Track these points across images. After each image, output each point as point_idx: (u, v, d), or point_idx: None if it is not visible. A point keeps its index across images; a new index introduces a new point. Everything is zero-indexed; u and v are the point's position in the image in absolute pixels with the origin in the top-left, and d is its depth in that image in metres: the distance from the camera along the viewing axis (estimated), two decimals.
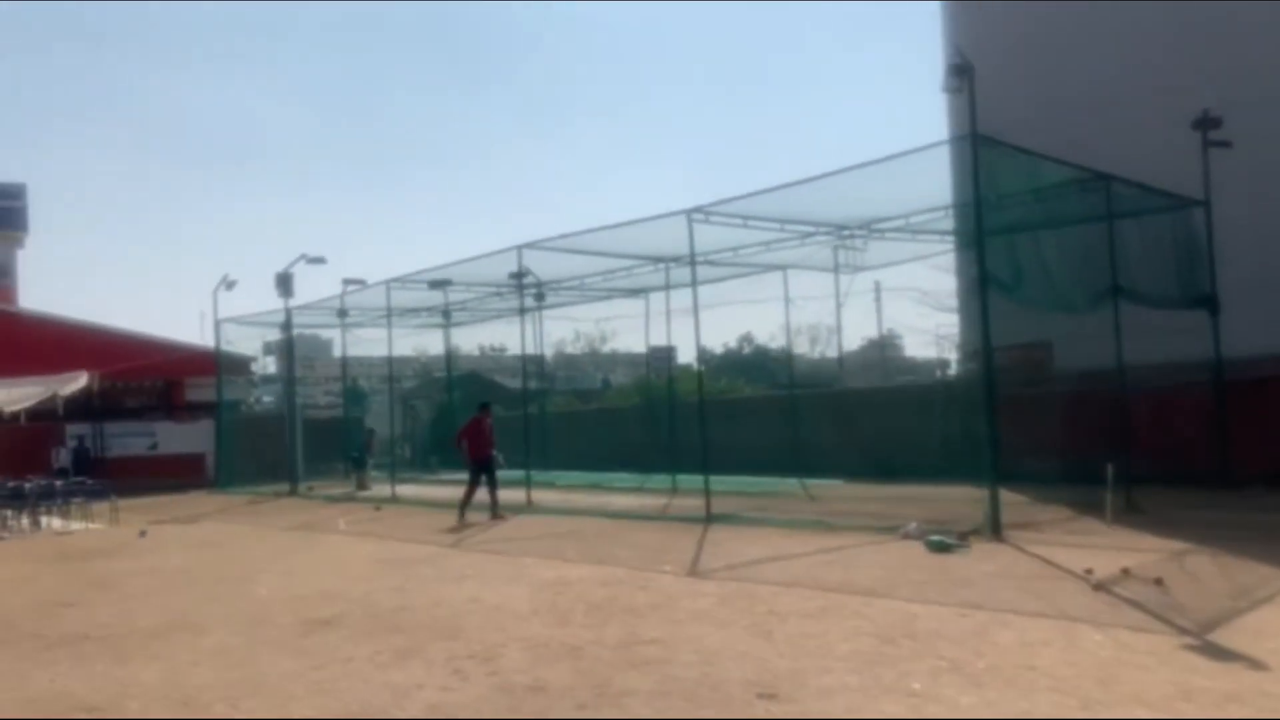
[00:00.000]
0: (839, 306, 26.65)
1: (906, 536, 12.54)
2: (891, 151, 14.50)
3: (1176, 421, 17.88)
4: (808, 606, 8.70)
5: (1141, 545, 11.27)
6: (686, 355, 31.81)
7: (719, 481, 16.54)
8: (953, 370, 56.76)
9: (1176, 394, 18.01)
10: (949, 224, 20.21)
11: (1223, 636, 7.01)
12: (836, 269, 22.79)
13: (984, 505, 12.75)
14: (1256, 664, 6.27)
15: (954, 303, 39.03)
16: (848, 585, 9.62)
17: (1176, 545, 11.07)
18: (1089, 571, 9.48)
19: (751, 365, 56.88)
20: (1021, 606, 8.25)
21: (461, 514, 17.14)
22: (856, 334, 65.95)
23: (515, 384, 51.69)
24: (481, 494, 17.73)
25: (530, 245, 19.86)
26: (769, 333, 61.32)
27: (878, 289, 42.19)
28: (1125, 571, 9.41)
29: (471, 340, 43.39)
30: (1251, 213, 17.39)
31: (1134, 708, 5.51)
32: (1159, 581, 8.90)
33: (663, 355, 38.02)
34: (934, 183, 17.60)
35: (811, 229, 18.50)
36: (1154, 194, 15.91)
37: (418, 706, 6.18)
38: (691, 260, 16.56)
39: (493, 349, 54.73)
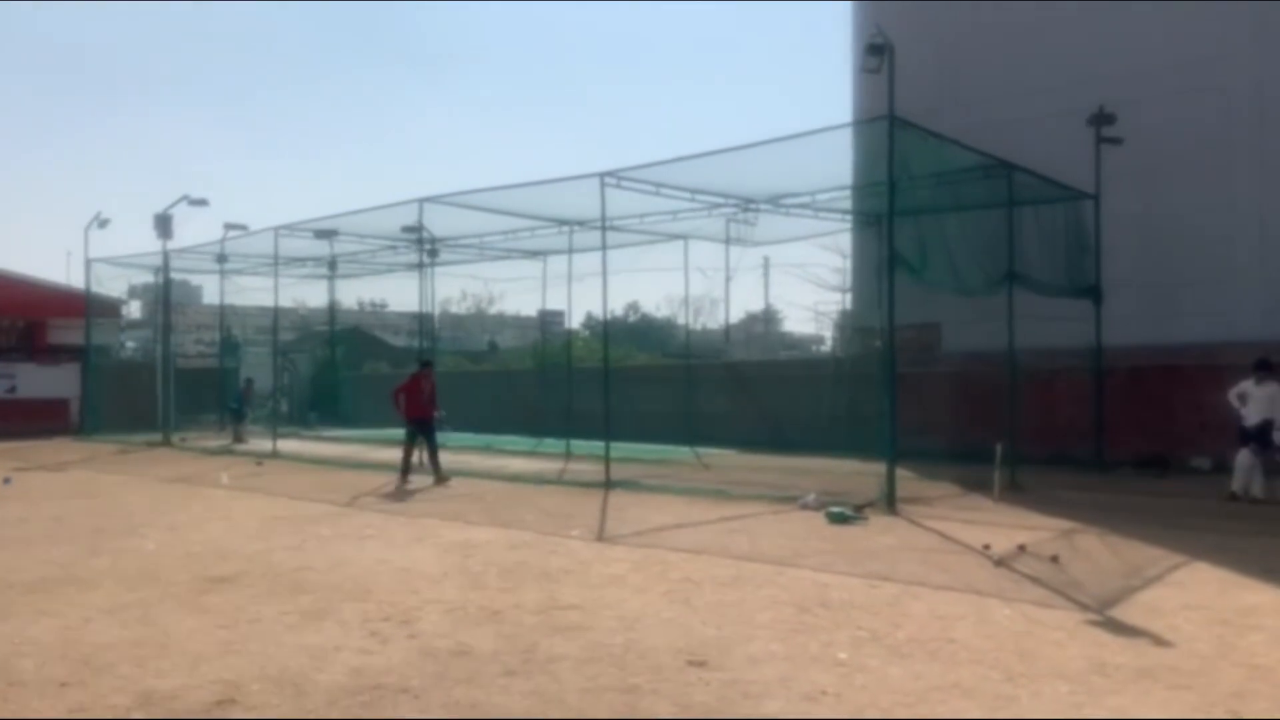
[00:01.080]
0: (728, 280, 27.02)
1: (805, 507, 12.76)
2: (792, 132, 14.70)
3: (1056, 405, 18.67)
4: (721, 574, 8.75)
5: (1030, 523, 11.71)
6: (574, 320, 31.78)
7: (615, 448, 16.53)
8: (827, 346, 58.40)
9: (1057, 379, 18.82)
10: (846, 204, 20.68)
11: (1123, 613, 7.32)
12: (728, 242, 23.03)
13: (880, 480, 13.05)
14: (1160, 640, 6.57)
15: (838, 281, 39.94)
16: (757, 554, 9.73)
17: (1064, 524, 11.54)
18: (987, 547, 9.80)
19: (638, 333, 57.16)
20: (928, 579, 8.47)
21: (404, 476, 16.52)
22: (739, 308, 66.86)
23: (397, 341, 50.87)
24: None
25: (433, 199, 19.39)
26: (654, 302, 61.75)
27: (766, 264, 42.85)
28: (1022, 548, 9.76)
29: (351, 294, 42.41)
30: (1137, 208, 18.16)
31: (1055, 681, 5.70)
32: (1055, 559, 9.25)
33: (554, 319, 37.88)
34: (835, 163, 17.94)
35: (720, 200, 18.54)
36: (1050, 185, 16.47)
37: (339, 670, 5.97)
38: (603, 225, 16.42)
39: (373, 304, 53.62)
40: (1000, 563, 9.19)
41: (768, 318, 61.71)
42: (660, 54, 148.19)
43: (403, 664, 6.10)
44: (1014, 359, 15.93)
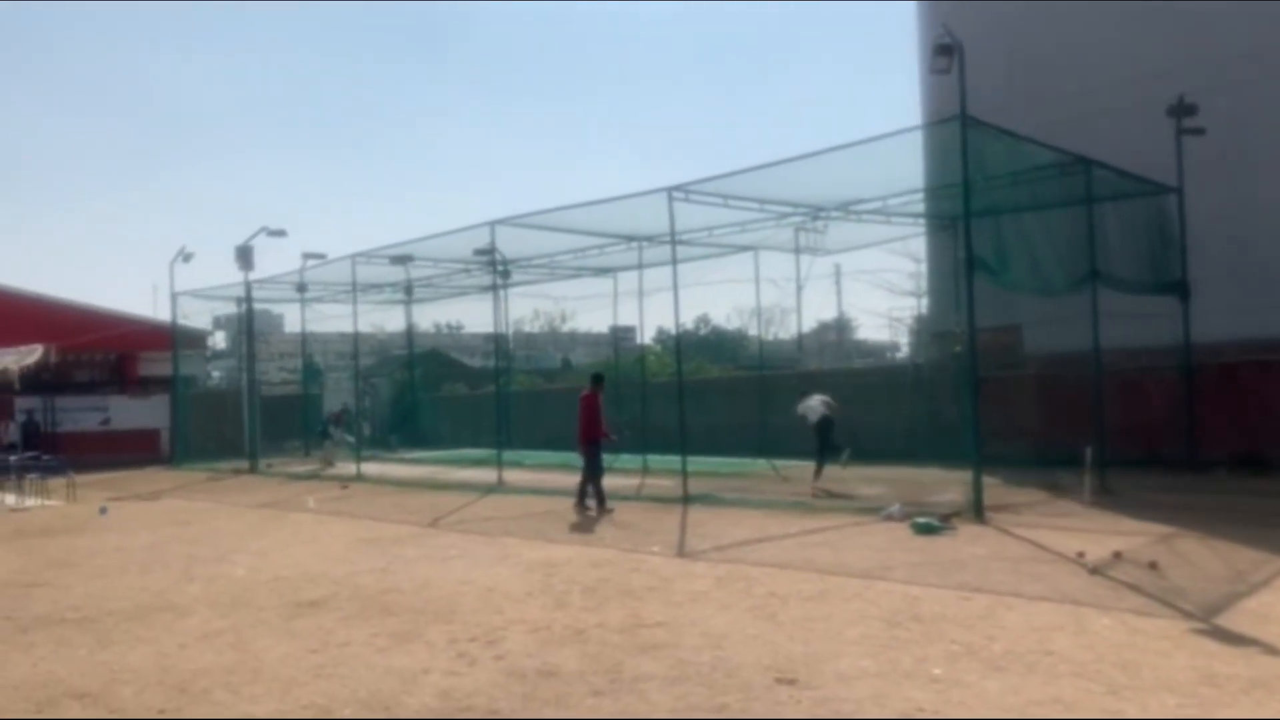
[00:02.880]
0: (799, 289, 26.78)
1: (889, 518, 12.54)
2: (859, 137, 14.55)
3: (1144, 405, 18.09)
4: (806, 589, 8.62)
5: (1123, 528, 11.35)
6: (645, 335, 31.71)
7: (691, 462, 16.43)
8: (902, 353, 57.59)
9: (1144, 378, 18.24)
10: (919, 208, 20.36)
11: (1229, 621, 7.04)
12: (798, 251, 22.83)
13: (966, 488, 12.78)
14: (1271, 649, 6.29)
15: (912, 286, 39.36)
16: (842, 567, 9.57)
17: (1160, 528, 11.16)
18: (1081, 554, 9.52)
19: (710, 346, 57.05)
20: (1022, 590, 8.24)
21: (586, 504, 15.02)
22: (811, 317, 66.30)
23: (474, 362, 51.43)
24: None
25: (504, 221, 19.59)
26: (724, 314, 61.52)
27: (837, 272, 42.46)
28: (1118, 555, 9.46)
29: (427, 318, 42.98)
30: (1222, 200, 17.58)
31: (1161, 693, 5.48)
32: (1153, 565, 8.95)
33: (625, 335, 37.95)
34: (906, 167, 17.68)
35: (789, 209, 18.39)
36: (1131, 179, 16.02)
37: (428, 693, 5.99)
38: (672, 239, 16.37)
39: (449, 326, 54.30)
40: (1095, 570, 8.91)
41: (840, 326, 61.13)
42: (721, 63, 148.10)
43: (490, 685, 6.10)
44: (1099, 359, 15.50)
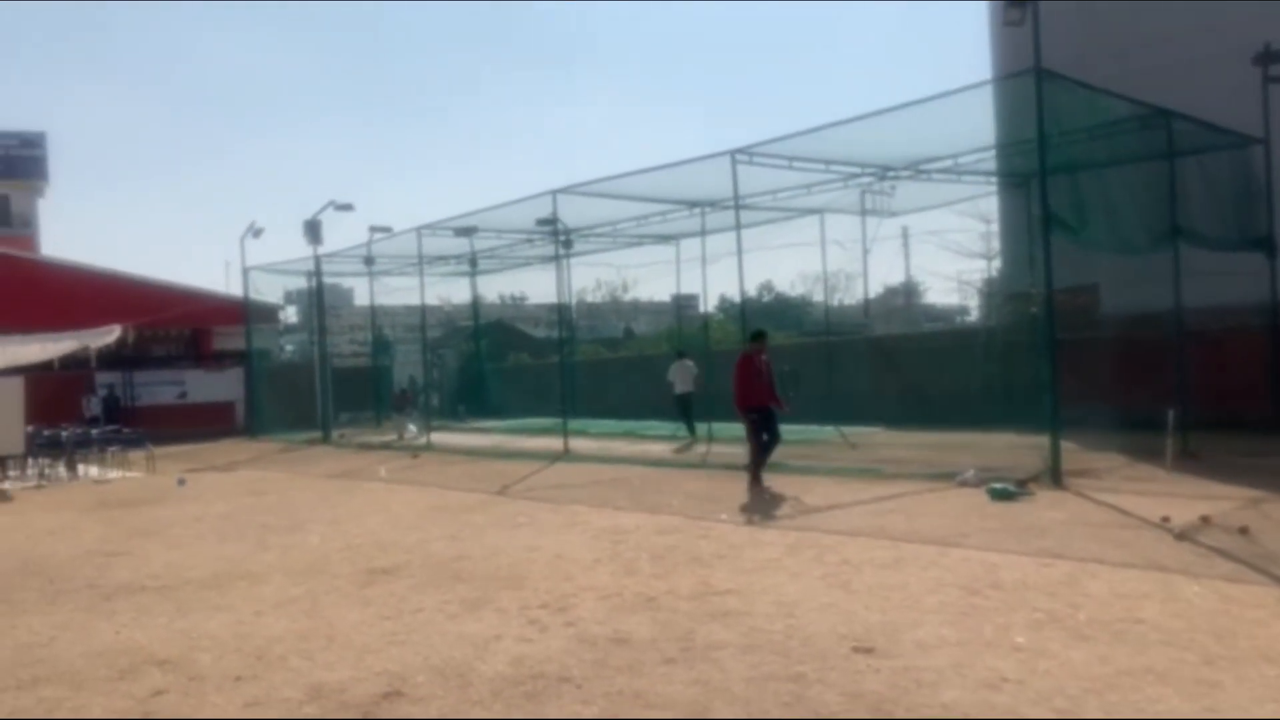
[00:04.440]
0: (865, 253, 26.30)
1: (964, 484, 12.28)
2: (927, 94, 14.13)
3: (1227, 366, 17.46)
4: (880, 556, 8.45)
5: (1210, 493, 10.97)
6: (708, 303, 31.49)
7: None
8: (972, 316, 56.53)
9: (1227, 338, 17.58)
10: (989, 166, 19.81)
11: None
12: (864, 214, 22.40)
13: (1044, 452, 12.46)
14: None
15: (982, 247, 38.49)
16: (916, 534, 9.37)
17: (1248, 493, 10.77)
18: (1166, 520, 9.20)
19: (774, 312, 56.51)
20: (1105, 556, 7.98)
21: (756, 477, 13.27)
22: (877, 282, 65.24)
23: (538, 333, 51.64)
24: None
25: (565, 190, 19.49)
26: (788, 280, 60.88)
27: (905, 234, 41.66)
28: (1205, 520, 9.13)
29: (491, 289, 43.11)
30: None
31: (1259, 664, 5.25)
32: (1244, 530, 8.62)
33: (688, 303, 37.75)
34: (976, 124, 17.17)
35: (856, 169, 18.01)
36: (1214, 131, 15.39)
37: (501, 659, 5.97)
38: (735, 203, 16.17)
39: (513, 298, 54.52)
40: (1182, 536, 8.60)
41: (908, 290, 60.18)
42: (779, 25, 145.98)
43: (562, 653, 6.06)
44: (1181, 319, 14.97)
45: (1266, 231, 16.46)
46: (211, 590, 8.49)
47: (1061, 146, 13.22)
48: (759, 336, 14.32)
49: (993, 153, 18.64)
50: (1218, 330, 17.45)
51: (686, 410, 21.18)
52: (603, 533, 10.29)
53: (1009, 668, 5.38)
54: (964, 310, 59.78)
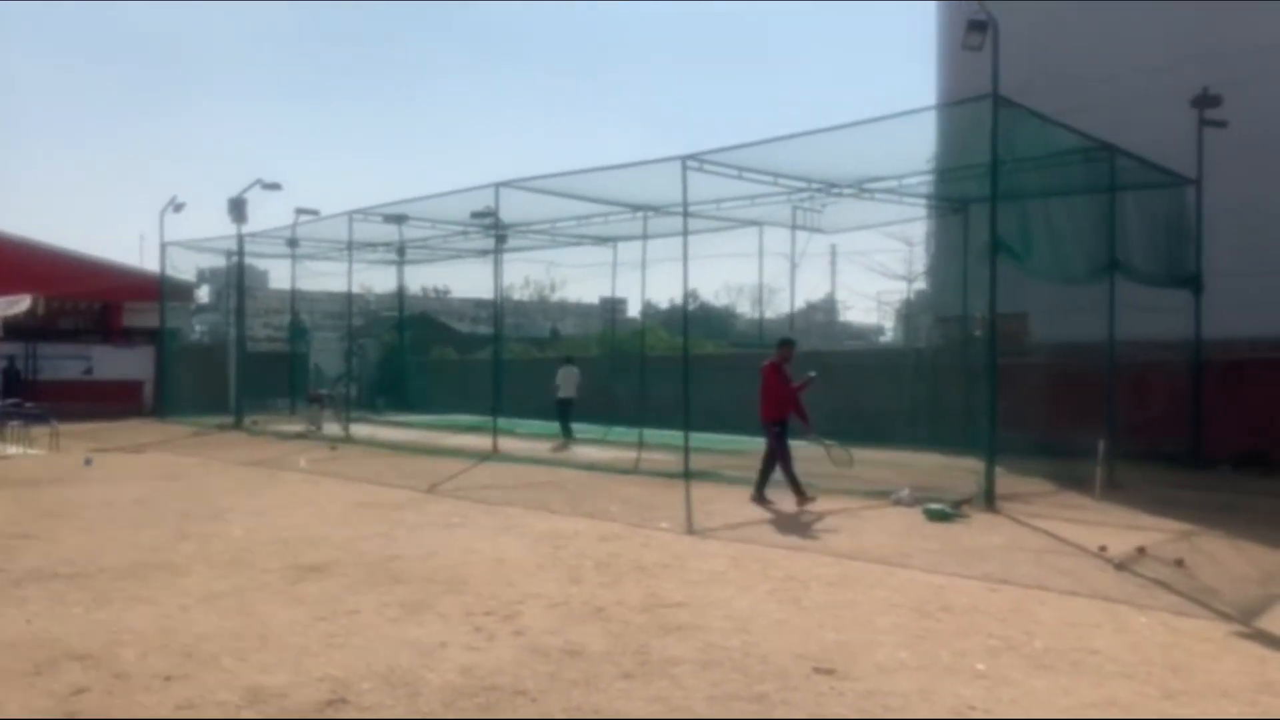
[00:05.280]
0: (794, 267, 26.46)
1: (899, 503, 12.33)
2: (865, 115, 14.26)
3: (1149, 399, 17.90)
4: (826, 573, 8.38)
5: (1139, 523, 11.17)
6: (633, 309, 31.43)
7: (689, 438, 16.18)
8: (887, 336, 57.45)
9: (1151, 372, 18.02)
10: (922, 190, 20.05)
11: (1271, 623, 6.84)
12: (794, 228, 22.53)
13: (978, 476, 12.57)
14: None
15: (904, 270, 39.14)
16: (859, 552, 9.33)
17: (1177, 525, 10.98)
18: (1104, 549, 9.32)
19: (699, 322, 56.66)
20: (1049, 583, 8.01)
21: (798, 491, 12.36)
22: (799, 297, 66.01)
23: (463, 327, 50.97)
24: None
25: (509, 184, 19.14)
26: (712, 290, 61.21)
27: (833, 252, 42.19)
28: (1141, 551, 9.26)
29: (415, 281, 42.49)
30: (1240, 194, 17.33)
31: (1219, 699, 5.26)
32: (1180, 563, 8.74)
33: (617, 307, 37.63)
34: (916, 149, 17.35)
35: (802, 184, 18.05)
36: (1152, 169, 15.76)
37: (449, 668, 5.71)
38: (684, 209, 16.03)
39: (436, 290, 53.71)
40: (1121, 566, 8.71)
41: (828, 307, 60.97)
42: (725, 46, 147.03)
43: (514, 663, 5.82)
44: (1114, 351, 15.31)
45: (1195, 270, 16.91)
46: (130, 580, 8.03)
47: (1008, 174, 13.38)
48: (787, 344, 13.42)
49: (931, 177, 18.90)
50: (1141, 364, 17.89)
51: (566, 414, 21.97)
52: (542, 537, 10.04)
53: (974, 695, 5.30)
54: (880, 330, 60.86)
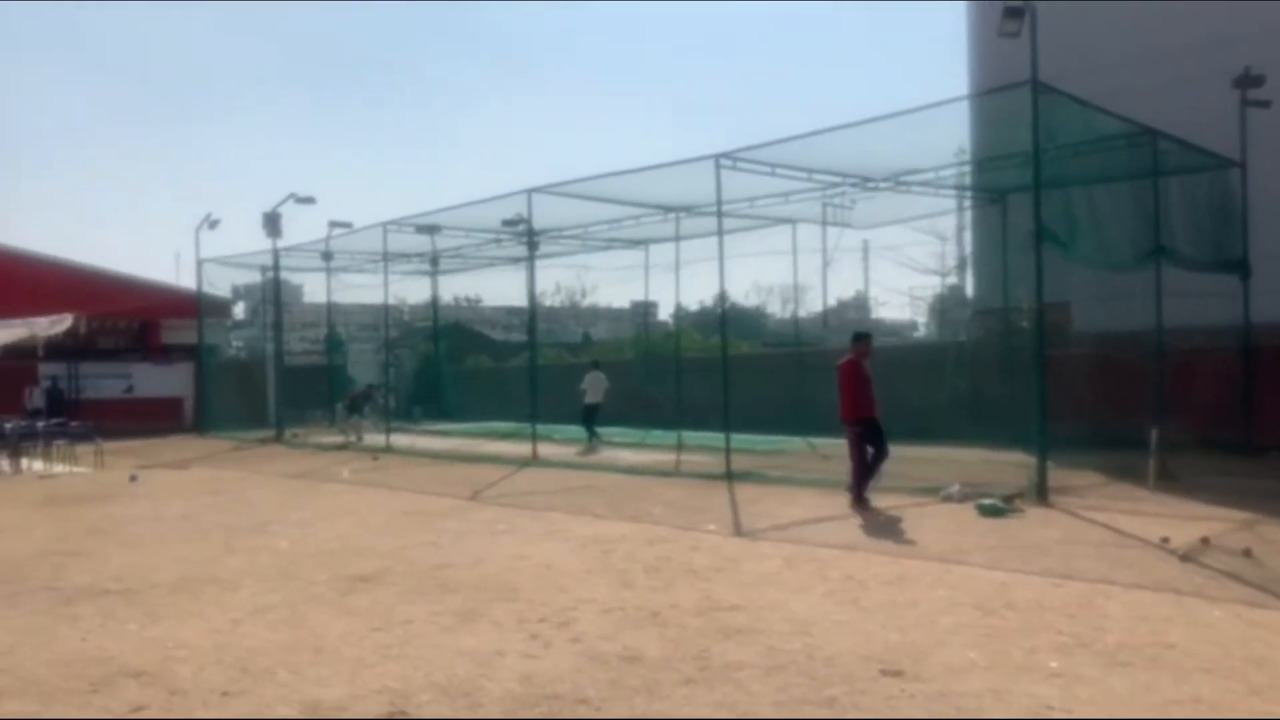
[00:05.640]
0: (825, 265, 26.24)
1: (949, 499, 12.11)
2: (895, 106, 14.05)
3: (1197, 387, 17.53)
4: (883, 573, 8.20)
5: (1198, 514, 10.88)
6: (663, 312, 31.29)
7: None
8: (920, 332, 56.88)
9: (1198, 359, 17.65)
10: (962, 180, 19.80)
11: None
12: (824, 224, 22.34)
13: (1028, 469, 12.34)
14: None
15: (935, 264, 38.75)
16: (915, 550, 9.15)
17: (1238, 514, 10.68)
18: (1166, 540, 9.08)
19: (730, 322, 56.31)
20: (1114, 577, 7.79)
21: (859, 498, 11.87)
22: (831, 294, 65.52)
23: (495, 335, 51.00)
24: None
25: (541, 189, 19.10)
26: (742, 291, 60.87)
27: (865, 248, 41.94)
28: (1205, 542, 9.01)
29: (447, 290, 42.61)
30: None
31: None
32: (1248, 553, 8.49)
33: (648, 310, 37.53)
34: (951, 141, 17.12)
35: (837, 179, 17.85)
36: (1195, 152, 15.45)
37: (508, 677, 5.61)
38: (719, 209, 15.90)
39: (467, 299, 53.84)
40: (1186, 558, 8.46)
41: (859, 304, 60.49)
42: (747, 28, 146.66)
43: (572, 671, 5.71)
44: (1162, 339, 15.01)
45: (1241, 254, 16.56)
46: (180, 595, 8.00)
47: (1052, 161, 13.15)
48: (863, 338, 12.62)
49: (967, 167, 18.66)
50: (1188, 351, 17.54)
51: (590, 418, 22.13)
52: (588, 542, 9.94)
53: (1050, 695, 5.13)
54: (914, 325, 60.34)
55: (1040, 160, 12.28)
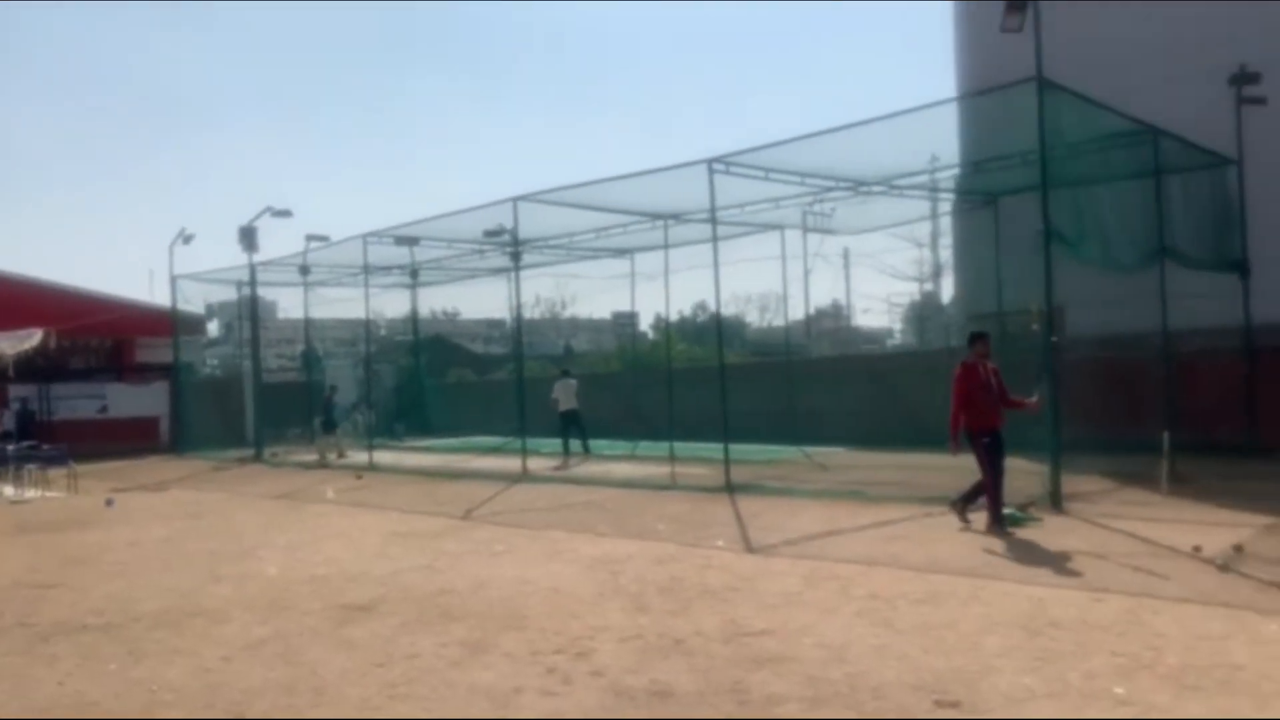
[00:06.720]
0: (807, 272, 25.94)
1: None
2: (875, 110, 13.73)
3: (1198, 389, 17.27)
4: (911, 590, 7.79)
5: (1218, 519, 10.55)
6: (644, 322, 30.86)
7: (720, 449, 15.63)
8: (895, 340, 56.70)
9: (1198, 361, 17.39)
10: (947, 184, 19.48)
11: None
12: (805, 231, 22.02)
13: (1041, 476, 11.99)
14: None
15: (915, 271, 38.56)
16: (938, 564, 8.74)
17: (1260, 519, 10.36)
18: (1198, 549, 8.71)
19: (708, 332, 56.03)
20: (1154, 590, 7.42)
21: (996, 518, 10.40)
22: (810, 302, 65.37)
23: (475, 348, 50.48)
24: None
25: (526, 197, 18.62)
26: (723, 299, 60.45)
27: (846, 255, 41.71)
28: (1239, 549, 8.65)
29: (426, 303, 42.05)
30: None
31: None
32: None
33: (627, 321, 37.06)
34: (940, 143, 16.78)
35: (831, 183, 17.49)
36: (1193, 150, 15.20)
37: (530, 718, 5.14)
38: (713, 215, 15.51)
39: (445, 312, 53.23)
40: (1225, 567, 8.10)
41: (837, 312, 60.29)
42: (720, 31, 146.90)
43: (599, 709, 5.25)
44: (1168, 340, 14.72)
45: (1240, 253, 16.33)
46: (164, 629, 7.48)
47: (1057, 160, 12.83)
48: (981, 338, 11.11)
49: (956, 170, 18.34)
50: (1188, 352, 17.27)
51: (567, 428, 21.90)
52: (595, 562, 9.47)
53: None
54: (890, 333, 60.23)
55: (1046, 159, 11.94)
